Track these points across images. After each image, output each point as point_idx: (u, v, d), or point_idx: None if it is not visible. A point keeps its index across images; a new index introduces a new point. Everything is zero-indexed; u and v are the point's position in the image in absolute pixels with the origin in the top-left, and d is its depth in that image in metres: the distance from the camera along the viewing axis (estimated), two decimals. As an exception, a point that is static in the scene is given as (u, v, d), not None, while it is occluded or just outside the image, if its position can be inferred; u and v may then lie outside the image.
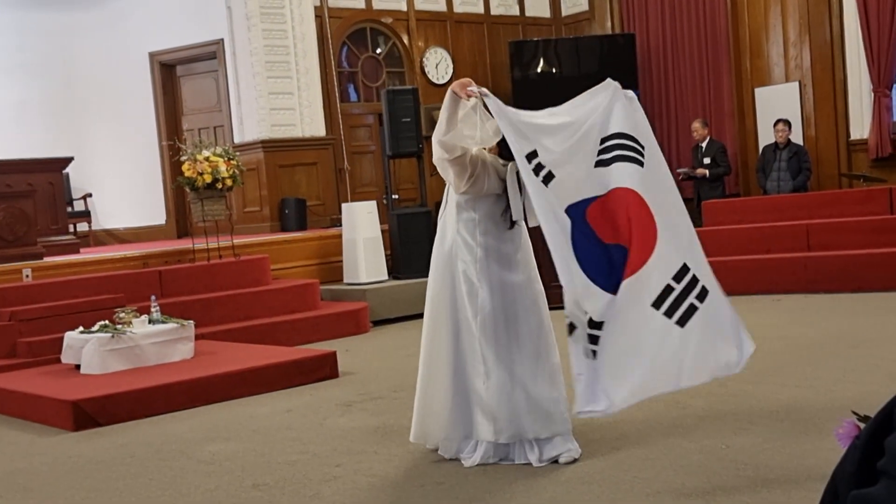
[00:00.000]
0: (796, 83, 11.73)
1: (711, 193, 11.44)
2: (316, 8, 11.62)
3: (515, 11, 13.69)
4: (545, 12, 14.04)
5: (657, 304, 3.74)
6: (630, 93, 4.16)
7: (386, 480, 4.13)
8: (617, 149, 3.98)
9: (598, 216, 3.88)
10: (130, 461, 4.82)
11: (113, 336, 6.55)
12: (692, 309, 3.76)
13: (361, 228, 9.54)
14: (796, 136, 11.37)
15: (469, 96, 4.03)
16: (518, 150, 3.92)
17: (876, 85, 10.97)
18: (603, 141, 4.01)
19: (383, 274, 9.61)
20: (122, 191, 12.27)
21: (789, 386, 5.24)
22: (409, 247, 9.77)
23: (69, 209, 11.05)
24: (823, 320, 7.43)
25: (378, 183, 11.95)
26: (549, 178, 3.90)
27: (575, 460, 4.13)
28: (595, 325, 3.72)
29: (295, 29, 11.34)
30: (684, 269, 3.81)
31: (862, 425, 1.36)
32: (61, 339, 6.82)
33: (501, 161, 4.27)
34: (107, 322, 6.78)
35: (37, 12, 11.96)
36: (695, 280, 3.79)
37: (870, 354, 5.93)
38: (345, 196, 11.45)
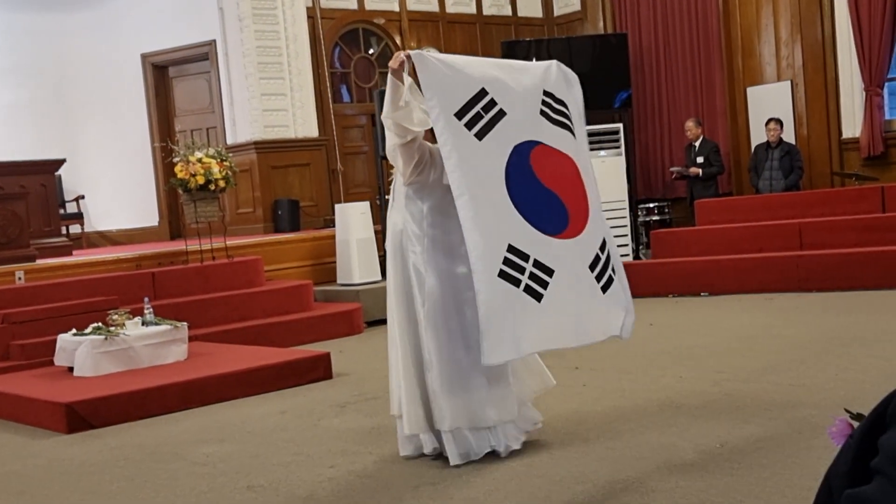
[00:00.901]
0: (788, 82, 11.75)
1: (704, 193, 11.47)
2: (308, 9, 11.61)
3: (508, 11, 13.70)
4: (537, 12, 14.04)
5: (591, 268, 4.13)
6: (572, 73, 4.55)
7: (380, 481, 4.13)
8: (556, 113, 4.30)
9: (540, 159, 4.11)
10: (124, 463, 4.82)
11: (106, 338, 6.54)
12: (610, 280, 4.21)
13: (355, 229, 9.53)
14: (788, 136, 11.39)
15: (400, 69, 4.10)
16: (450, 104, 4.00)
17: (867, 84, 11.00)
18: (546, 94, 4.31)
19: (377, 274, 9.61)
20: (115, 192, 12.25)
21: (783, 385, 5.25)
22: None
23: (62, 211, 11.02)
24: (816, 319, 7.45)
25: (371, 184, 11.95)
26: (498, 117, 4.06)
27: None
28: (543, 268, 3.93)
29: (287, 30, 11.33)
30: (605, 243, 4.23)
31: (855, 424, 1.36)
32: (54, 341, 6.81)
33: None
34: (100, 324, 6.77)
35: (28, 14, 11.94)
36: (611, 254, 4.24)
37: (863, 353, 5.95)
38: (338, 197, 11.45)
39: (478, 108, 4.04)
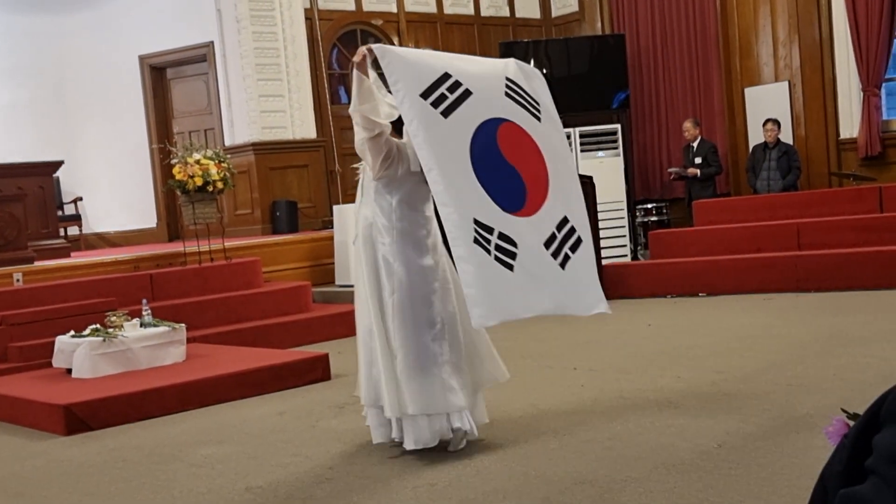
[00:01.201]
0: (786, 83, 11.76)
1: (702, 193, 11.48)
2: (306, 10, 11.61)
3: (505, 12, 13.70)
4: (535, 13, 14.05)
5: (547, 246, 4.32)
6: (530, 67, 4.78)
7: (378, 482, 4.13)
8: (520, 97, 4.49)
9: (506, 135, 4.31)
10: (122, 465, 4.82)
11: (104, 340, 6.54)
12: (567, 258, 4.37)
13: (353, 230, 9.51)
14: (786, 136, 11.40)
15: (362, 63, 4.29)
16: (415, 86, 4.16)
17: (865, 84, 11.01)
18: (508, 80, 4.52)
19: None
20: (113, 194, 12.25)
21: (781, 385, 5.26)
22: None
23: (60, 213, 11.02)
24: (814, 319, 7.45)
25: (369, 185, 11.93)
26: (463, 97, 4.23)
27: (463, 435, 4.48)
28: (506, 239, 4.10)
29: (285, 31, 11.33)
30: (564, 221, 4.38)
31: (851, 423, 1.36)
32: (52, 343, 6.81)
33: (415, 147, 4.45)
34: (98, 326, 6.76)
35: (27, 15, 11.94)
36: (572, 230, 4.39)
37: (861, 353, 5.95)
38: (336, 198, 11.45)
39: (442, 88, 4.20)
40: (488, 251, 4.03)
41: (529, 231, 4.22)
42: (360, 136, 4.39)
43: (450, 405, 4.38)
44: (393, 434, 4.49)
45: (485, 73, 4.50)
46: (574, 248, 4.38)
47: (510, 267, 4.08)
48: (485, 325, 4.05)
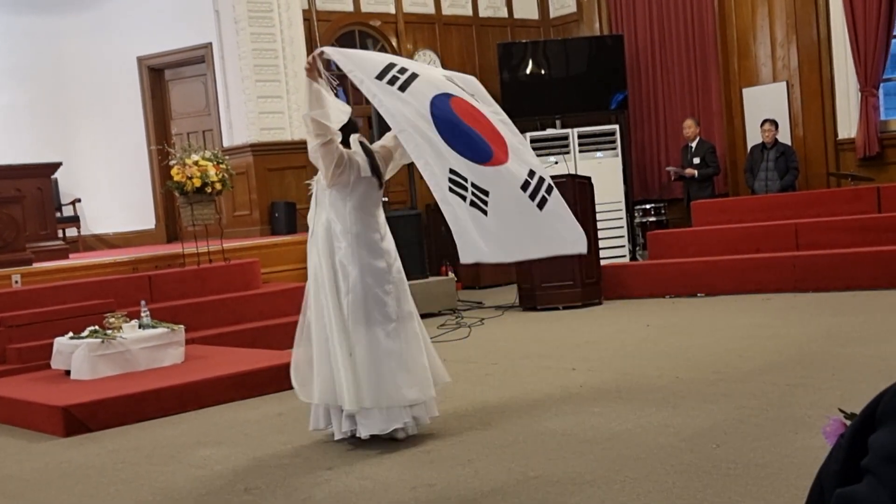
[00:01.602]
0: (784, 83, 11.77)
1: (700, 193, 11.49)
2: (304, 11, 11.62)
3: (504, 13, 13.71)
4: (533, 14, 14.06)
5: (524, 189, 4.49)
6: (459, 73, 5.04)
7: (377, 482, 4.13)
8: (455, 83, 4.75)
9: (459, 105, 4.55)
10: (121, 466, 4.82)
11: (103, 341, 6.54)
12: (544, 200, 4.54)
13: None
14: (784, 136, 11.41)
15: (311, 68, 4.59)
16: (369, 72, 4.48)
17: (863, 84, 11.02)
18: (444, 73, 4.90)
19: (374, 276, 9.60)
20: (112, 195, 12.25)
21: (779, 385, 5.26)
22: (400, 249, 9.72)
23: (58, 214, 11.02)
24: (813, 319, 7.46)
25: (368, 186, 11.94)
26: (412, 78, 4.49)
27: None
28: (479, 189, 4.28)
29: (283, 32, 11.33)
30: (532, 172, 4.56)
31: (848, 423, 1.37)
32: (51, 344, 6.80)
33: (364, 152, 4.80)
34: (97, 327, 6.77)
35: (25, 16, 11.94)
36: (542, 179, 4.56)
37: (859, 352, 5.96)
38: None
39: (393, 72, 4.49)
40: (464, 198, 4.24)
41: (502, 178, 4.43)
42: (312, 143, 4.63)
43: (403, 399, 4.67)
44: (343, 428, 4.74)
45: (422, 65, 4.93)
46: (549, 192, 4.58)
47: (484, 212, 4.28)
48: (469, 260, 4.19)
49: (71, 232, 11.66)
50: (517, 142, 4.70)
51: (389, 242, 4.87)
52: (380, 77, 4.45)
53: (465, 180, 4.26)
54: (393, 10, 12.56)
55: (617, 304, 9.28)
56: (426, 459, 4.40)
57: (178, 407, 5.96)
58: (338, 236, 4.71)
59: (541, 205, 4.53)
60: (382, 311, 4.71)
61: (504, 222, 4.33)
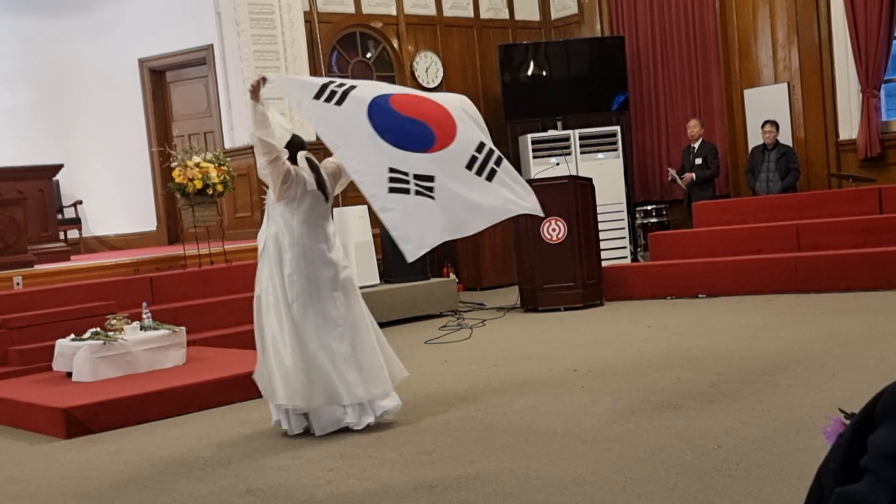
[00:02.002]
0: (785, 84, 11.77)
1: (702, 194, 11.48)
2: (305, 13, 11.62)
3: (505, 15, 13.71)
4: (535, 15, 14.06)
5: (469, 167, 4.73)
6: None
7: (379, 484, 4.14)
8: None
9: (400, 101, 4.84)
10: (123, 468, 4.82)
11: (104, 343, 6.55)
12: (493, 171, 4.78)
13: (353, 233, 9.54)
14: (785, 137, 11.41)
15: (255, 91, 4.93)
16: (307, 92, 4.79)
17: (864, 85, 11.01)
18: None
19: (375, 278, 9.62)
20: (113, 197, 12.25)
21: (781, 385, 5.26)
22: (401, 251, 9.76)
23: (59, 216, 11.02)
24: (814, 320, 7.46)
25: (369, 187, 11.93)
26: (350, 88, 4.76)
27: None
28: (423, 178, 4.55)
29: (284, 34, 11.33)
30: (482, 145, 4.80)
31: (848, 423, 1.37)
32: (52, 346, 6.81)
33: (310, 168, 5.15)
34: (98, 329, 6.77)
35: (26, 19, 11.95)
36: (491, 151, 4.80)
37: (860, 353, 5.96)
38: (336, 201, 11.44)
39: (330, 88, 4.76)
40: (407, 191, 4.50)
41: (446, 160, 4.69)
42: (261, 160, 5.00)
43: (352, 397, 5.02)
44: (293, 425, 5.09)
45: (366, 81, 5.36)
46: (498, 163, 4.82)
47: (431, 197, 4.55)
48: (417, 255, 4.46)
49: (72, 234, 11.67)
50: (465, 116, 4.93)
51: (337, 252, 5.20)
52: (317, 96, 4.73)
53: (407, 174, 4.53)
54: (394, 12, 12.57)
55: (618, 306, 9.28)
56: (427, 461, 4.40)
57: (180, 408, 5.96)
58: (285, 248, 5.05)
59: (490, 177, 4.78)
60: (328, 318, 5.05)
61: (452, 202, 4.60)
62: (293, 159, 5.14)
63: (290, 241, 5.05)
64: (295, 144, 5.16)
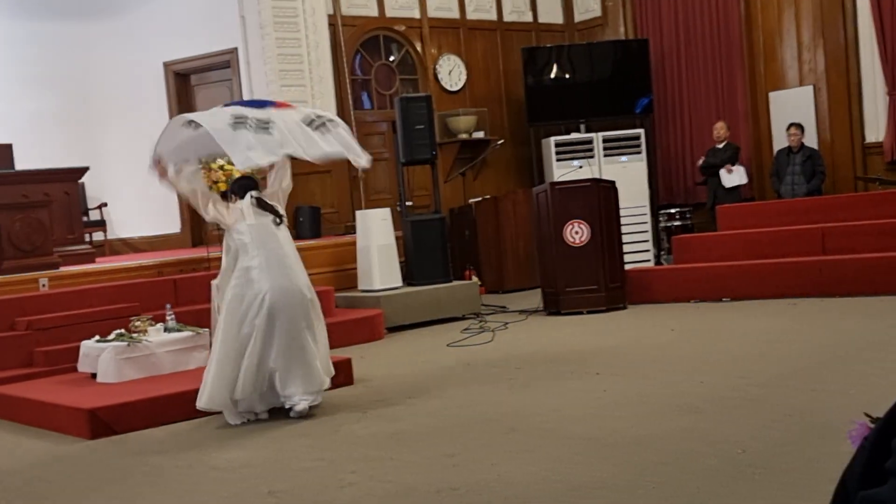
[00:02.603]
0: (811, 87, 11.69)
1: (726, 198, 11.42)
2: (329, 16, 11.65)
3: (528, 18, 13.70)
4: (558, 18, 14.04)
5: (306, 123, 5.86)
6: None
7: (401, 486, 4.14)
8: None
9: (275, 104, 6.15)
10: (147, 469, 4.85)
11: (129, 345, 6.59)
12: (327, 129, 5.92)
13: (375, 236, 9.55)
14: (811, 140, 11.33)
15: (163, 177, 6.15)
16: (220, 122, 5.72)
17: (891, 87, 10.93)
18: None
19: (397, 281, 9.62)
20: (137, 200, 12.30)
21: (804, 390, 5.23)
22: (423, 254, 9.78)
23: (85, 219, 11.10)
24: (838, 324, 7.41)
25: (392, 190, 11.97)
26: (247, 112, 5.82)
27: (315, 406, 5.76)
28: (261, 120, 5.64)
29: (308, 37, 11.37)
30: (320, 116, 6.03)
31: (874, 426, 1.36)
32: (77, 348, 6.86)
33: (257, 204, 5.96)
34: (122, 331, 6.81)
35: (53, 24, 12.04)
36: (322, 117, 6.01)
37: (885, 358, 5.91)
38: (359, 203, 11.47)
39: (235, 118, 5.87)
40: (248, 127, 5.56)
41: (283, 115, 5.81)
42: (194, 202, 6.25)
43: (256, 389, 5.64)
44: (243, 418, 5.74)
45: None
46: (333, 126, 5.97)
47: (269, 133, 5.61)
48: (252, 165, 5.68)
49: (97, 236, 11.74)
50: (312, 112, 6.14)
51: (263, 274, 5.77)
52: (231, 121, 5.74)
53: (246, 117, 5.61)
54: (418, 15, 12.58)
55: (641, 309, 9.24)
56: (450, 463, 4.40)
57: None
58: (227, 268, 5.90)
59: (324, 133, 5.85)
60: (242, 327, 5.65)
61: (291, 132, 5.67)
62: (233, 197, 6.12)
63: (233, 267, 5.98)
64: (248, 184, 6.04)
